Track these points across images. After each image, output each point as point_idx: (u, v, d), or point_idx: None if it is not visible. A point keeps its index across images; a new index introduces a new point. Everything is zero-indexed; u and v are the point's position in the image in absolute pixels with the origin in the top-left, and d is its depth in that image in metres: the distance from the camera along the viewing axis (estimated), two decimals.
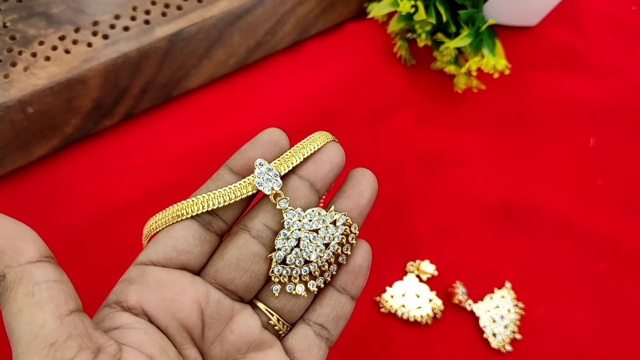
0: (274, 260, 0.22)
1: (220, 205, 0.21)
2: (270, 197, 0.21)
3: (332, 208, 0.22)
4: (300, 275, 0.22)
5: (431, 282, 0.36)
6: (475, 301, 0.35)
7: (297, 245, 0.22)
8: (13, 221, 0.18)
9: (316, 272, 0.22)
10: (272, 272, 0.22)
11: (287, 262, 0.22)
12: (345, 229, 0.22)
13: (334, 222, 0.22)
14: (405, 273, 0.36)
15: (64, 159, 0.36)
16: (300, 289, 0.22)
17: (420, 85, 0.42)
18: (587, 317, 0.35)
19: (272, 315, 0.22)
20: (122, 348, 0.18)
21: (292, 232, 0.22)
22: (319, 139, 0.22)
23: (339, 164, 0.23)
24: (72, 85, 0.34)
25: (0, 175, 0.34)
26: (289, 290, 0.22)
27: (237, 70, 0.40)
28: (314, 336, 0.22)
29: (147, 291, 0.20)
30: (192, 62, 0.38)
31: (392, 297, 0.35)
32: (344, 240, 0.22)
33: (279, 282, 0.22)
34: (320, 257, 0.22)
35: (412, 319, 0.34)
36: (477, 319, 0.35)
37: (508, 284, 0.36)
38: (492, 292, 0.35)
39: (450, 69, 0.39)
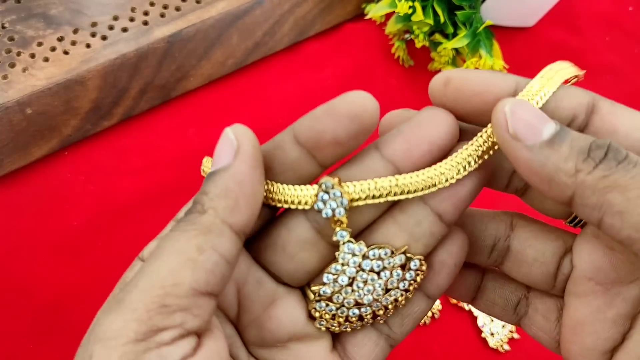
0: (317, 293, 0.18)
1: (266, 203, 0.17)
2: (331, 223, 0.17)
3: (405, 248, 0.17)
4: (347, 317, 0.18)
5: None
6: None
7: (350, 285, 0.18)
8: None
9: (368, 316, 0.18)
10: (314, 306, 0.18)
11: (334, 300, 0.18)
12: (417, 274, 0.18)
13: (402, 266, 0.18)
14: None
15: (62, 159, 0.36)
16: (345, 327, 0.19)
17: (418, 85, 0.42)
18: None
19: None
20: None
21: (344, 270, 0.18)
22: (467, 162, 0.17)
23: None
24: (70, 86, 0.34)
25: None
26: (331, 327, 0.19)
27: (235, 71, 0.40)
28: (371, 329, 0.19)
29: None
30: (191, 63, 0.38)
31: None
32: (411, 287, 0.18)
33: (321, 317, 0.18)
34: (377, 301, 0.18)
35: None
36: (475, 318, 0.35)
37: None
38: None
39: (448, 69, 0.39)
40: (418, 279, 0.18)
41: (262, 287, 0.18)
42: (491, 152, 0.17)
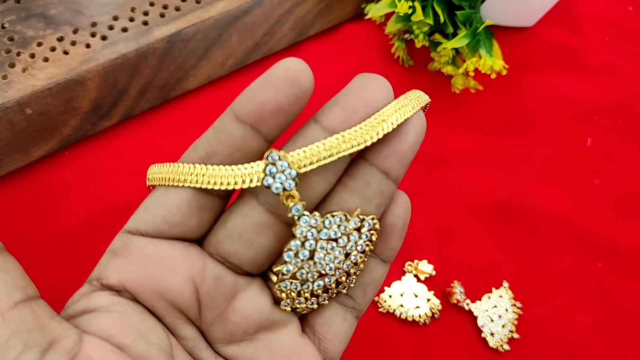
0: (280, 273, 0.18)
1: (216, 188, 0.17)
2: (281, 198, 0.17)
3: (358, 211, 0.18)
4: (312, 291, 0.19)
5: (429, 282, 0.36)
6: (473, 301, 0.35)
7: (311, 258, 0.18)
8: None
9: (332, 285, 0.19)
10: (279, 287, 0.18)
11: (298, 276, 0.18)
12: (372, 234, 0.19)
13: (358, 229, 0.18)
14: (404, 273, 0.36)
15: (62, 160, 0.36)
16: (311, 303, 0.19)
17: (418, 85, 0.42)
18: (584, 316, 0.35)
19: None
20: (83, 339, 0.15)
21: (304, 244, 0.18)
22: (404, 107, 0.17)
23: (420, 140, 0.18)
24: (70, 86, 0.34)
25: None
26: (298, 305, 0.19)
27: (235, 71, 0.40)
28: (336, 305, 0.20)
29: (130, 267, 0.17)
30: (191, 63, 0.38)
31: (390, 296, 0.35)
32: (367, 249, 0.19)
33: (287, 297, 0.19)
34: (338, 268, 0.18)
35: (410, 319, 0.34)
36: (474, 318, 0.35)
37: (506, 284, 0.36)
38: (490, 291, 0.36)
39: (448, 69, 0.39)
40: (373, 238, 0.19)
41: (221, 281, 0.18)
42: (425, 108, 0.18)
